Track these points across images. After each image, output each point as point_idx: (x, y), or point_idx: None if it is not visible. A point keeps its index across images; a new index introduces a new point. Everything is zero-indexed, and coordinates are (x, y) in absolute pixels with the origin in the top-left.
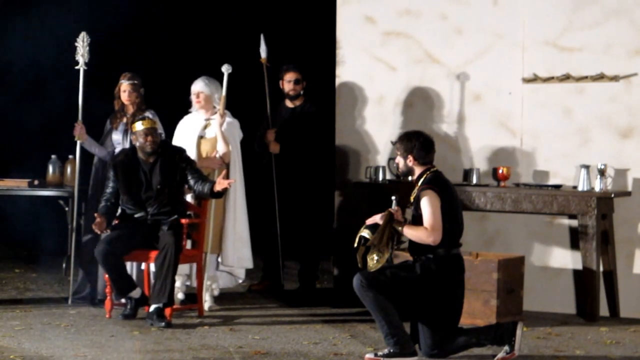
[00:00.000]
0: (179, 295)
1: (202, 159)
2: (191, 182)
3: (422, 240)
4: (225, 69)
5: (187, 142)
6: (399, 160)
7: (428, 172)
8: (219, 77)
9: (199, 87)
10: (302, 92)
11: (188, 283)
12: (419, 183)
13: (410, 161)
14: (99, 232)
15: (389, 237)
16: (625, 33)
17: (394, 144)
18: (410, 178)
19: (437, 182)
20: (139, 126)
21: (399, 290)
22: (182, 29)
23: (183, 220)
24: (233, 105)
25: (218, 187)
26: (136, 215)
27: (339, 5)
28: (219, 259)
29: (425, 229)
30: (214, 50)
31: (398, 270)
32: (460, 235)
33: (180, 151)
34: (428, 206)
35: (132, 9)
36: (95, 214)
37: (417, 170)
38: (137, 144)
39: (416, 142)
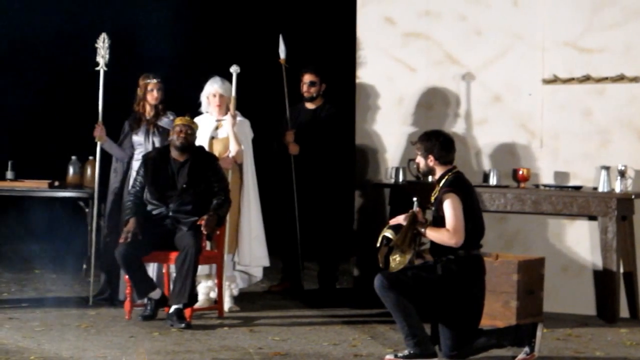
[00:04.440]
0: (211, 295)
1: None
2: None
3: (444, 242)
4: (234, 70)
5: (199, 143)
6: (420, 160)
7: (449, 174)
8: (228, 77)
9: (217, 87)
10: (320, 94)
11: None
12: (440, 184)
13: (430, 161)
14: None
15: (411, 238)
16: None
17: (414, 143)
18: (430, 178)
19: (458, 185)
20: (177, 120)
21: (420, 291)
22: (199, 29)
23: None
24: (250, 106)
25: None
26: (156, 212)
27: (359, 6)
28: (235, 259)
29: (448, 230)
30: (231, 51)
31: (419, 271)
32: (482, 237)
33: (212, 160)
34: (450, 209)
35: (149, 10)
36: (128, 218)
37: (438, 171)
38: (170, 139)
39: (436, 141)
